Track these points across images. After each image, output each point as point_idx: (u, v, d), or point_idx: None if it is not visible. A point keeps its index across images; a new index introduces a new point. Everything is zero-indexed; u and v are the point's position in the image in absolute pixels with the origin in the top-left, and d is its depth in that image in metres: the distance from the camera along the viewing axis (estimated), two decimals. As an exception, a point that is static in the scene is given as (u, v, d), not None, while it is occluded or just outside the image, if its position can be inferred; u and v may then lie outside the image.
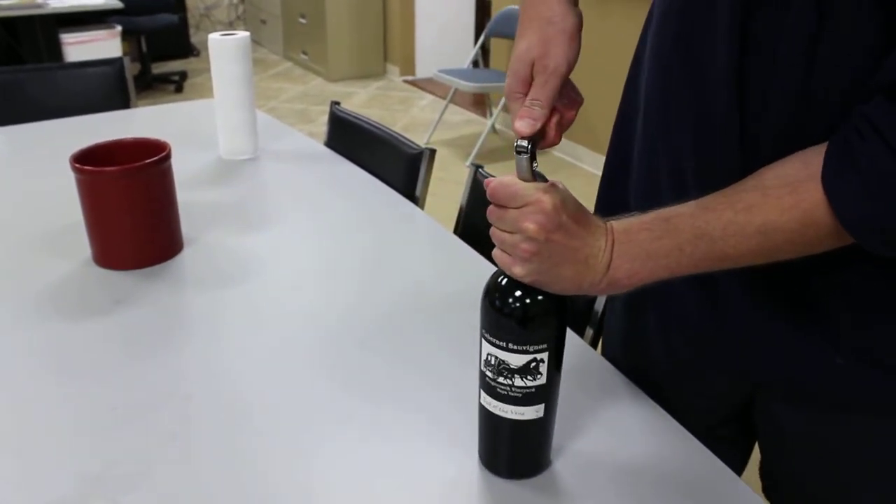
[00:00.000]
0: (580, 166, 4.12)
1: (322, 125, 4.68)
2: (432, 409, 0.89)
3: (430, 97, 5.40)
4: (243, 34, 1.62)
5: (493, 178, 0.69)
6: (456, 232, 1.51)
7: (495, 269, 0.71)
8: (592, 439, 0.84)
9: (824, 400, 0.80)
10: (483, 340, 0.71)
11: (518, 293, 0.69)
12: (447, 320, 1.08)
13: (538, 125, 0.69)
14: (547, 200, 0.66)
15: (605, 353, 1.04)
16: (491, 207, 0.69)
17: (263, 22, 6.78)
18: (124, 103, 2.31)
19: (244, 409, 0.89)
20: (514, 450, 0.78)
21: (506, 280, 0.69)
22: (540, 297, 0.69)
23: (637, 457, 0.82)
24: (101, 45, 4.21)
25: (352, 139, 1.81)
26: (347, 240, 1.34)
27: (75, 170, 1.15)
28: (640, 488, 0.77)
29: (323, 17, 5.67)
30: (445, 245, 1.34)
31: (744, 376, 0.87)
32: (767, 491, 0.95)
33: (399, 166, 1.63)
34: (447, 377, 0.94)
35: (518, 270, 0.68)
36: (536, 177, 0.67)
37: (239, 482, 0.77)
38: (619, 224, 0.69)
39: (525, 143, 0.68)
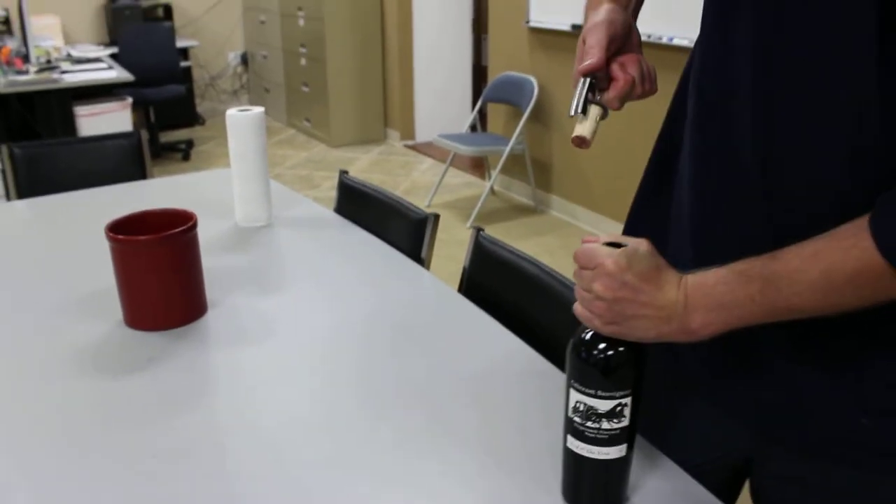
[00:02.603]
0: (577, 224, 4.24)
1: (326, 190, 4.82)
2: (447, 457, 0.97)
3: (430, 161, 5.55)
4: (258, 110, 1.75)
5: (583, 245, 0.79)
6: (460, 291, 1.61)
7: (579, 324, 0.81)
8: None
9: (838, 456, 0.83)
10: (571, 390, 0.80)
11: (602, 345, 0.78)
12: (457, 369, 1.17)
13: (594, 63, 0.83)
14: (609, 263, 0.75)
15: None
16: (576, 268, 0.79)
17: (267, 90, 6.98)
18: (141, 173, 2.44)
19: (273, 453, 0.98)
20: (597, 487, 0.86)
21: (591, 334, 0.79)
22: (621, 349, 0.78)
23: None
24: (112, 117, 4.36)
25: (359, 205, 1.92)
26: (359, 300, 1.44)
27: (110, 238, 1.26)
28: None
29: (324, 85, 5.86)
30: (452, 304, 1.44)
31: (759, 429, 0.91)
32: None
33: (405, 230, 1.74)
34: (460, 423, 1.03)
35: (596, 323, 0.77)
36: (588, 108, 0.82)
37: (272, 518, 0.86)
38: (693, 278, 0.76)
39: (583, 79, 0.82)
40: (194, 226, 1.32)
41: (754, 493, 0.97)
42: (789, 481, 0.90)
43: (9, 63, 4.38)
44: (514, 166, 4.57)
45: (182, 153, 5.69)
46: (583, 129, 0.86)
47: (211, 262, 1.52)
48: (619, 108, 0.87)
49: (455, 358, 1.21)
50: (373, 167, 5.48)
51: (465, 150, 4.20)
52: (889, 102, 0.67)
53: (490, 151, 4.35)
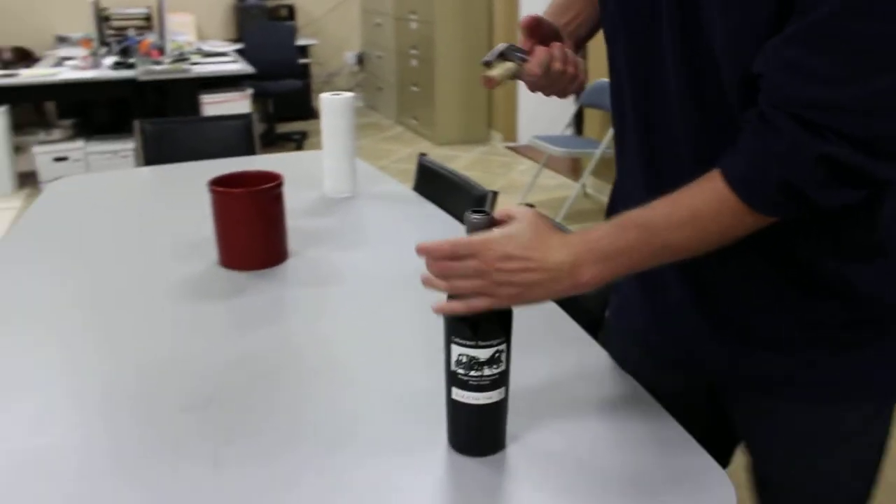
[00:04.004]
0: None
1: (424, 183, 5.07)
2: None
3: (528, 162, 5.73)
4: (348, 94, 1.99)
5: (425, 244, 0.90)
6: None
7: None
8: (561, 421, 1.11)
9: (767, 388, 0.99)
10: (453, 345, 0.90)
11: None
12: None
13: (523, 22, 1.01)
14: (493, 246, 0.85)
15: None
16: (445, 263, 0.89)
17: (380, 89, 7.32)
18: (250, 151, 2.73)
19: (338, 365, 1.20)
20: (483, 430, 0.96)
21: None
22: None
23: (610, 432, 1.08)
24: (234, 105, 4.74)
25: (434, 184, 2.14)
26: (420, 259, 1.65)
27: (211, 191, 1.52)
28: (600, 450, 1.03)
29: (433, 86, 6.13)
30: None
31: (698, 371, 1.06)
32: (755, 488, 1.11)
33: (469, 205, 1.94)
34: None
35: (496, 301, 0.86)
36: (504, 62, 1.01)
37: (332, 413, 1.08)
38: (577, 236, 0.86)
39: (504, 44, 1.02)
40: (280, 184, 1.56)
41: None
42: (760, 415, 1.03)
43: (147, 54, 4.83)
44: (607, 170, 4.70)
45: (296, 143, 6.08)
46: (492, 72, 1.01)
47: (297, 222, 1.76)
48: (539, 73, 1.01)
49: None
50: (474, 165, 5.70)
51: (557, 151, 4.37)
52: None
53: (581, 154, 4.50)
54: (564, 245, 0.85)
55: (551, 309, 1.37)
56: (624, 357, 1.18)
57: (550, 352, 1.23)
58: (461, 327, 0.90)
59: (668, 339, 1.08)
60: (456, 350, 0.91)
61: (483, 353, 0.90)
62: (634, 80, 0.97)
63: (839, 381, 0.96)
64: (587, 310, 1.39)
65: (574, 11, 1.13)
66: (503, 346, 0.91)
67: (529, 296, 0.86)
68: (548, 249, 0.85)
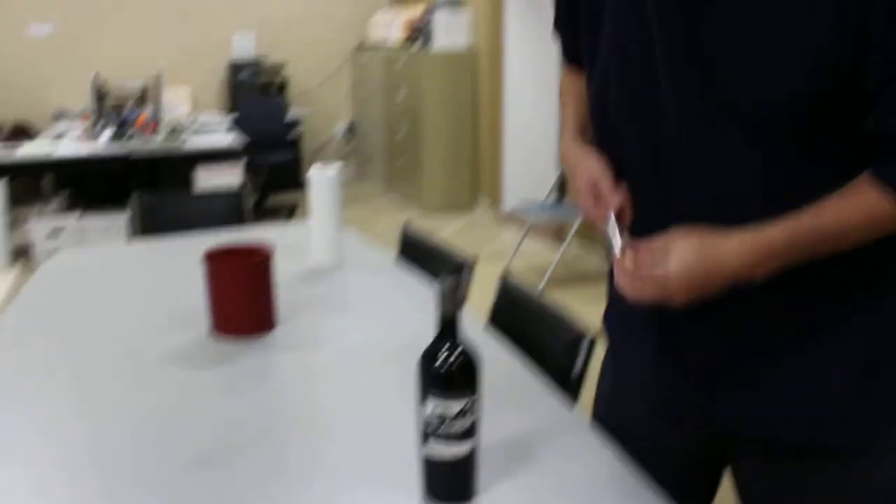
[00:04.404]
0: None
1: (412, 251, 5.18)
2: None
3: (513, 228, 5.87)
4: (336, 167, 2.11)
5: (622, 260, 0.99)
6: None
7: (430, 344, 1.02)
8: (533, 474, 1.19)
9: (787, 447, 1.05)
10: (426, 399, 1.00)
11: (447, 355, 0.99)
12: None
13: (621, 201, 1.05)
14: (674, 282, 0.94)
15: (594, 413, 1.33)
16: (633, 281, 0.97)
17: (369, 160, 7.50)
18: (241, 224, 2.84)
19: (324, 428, 1.29)
20: (454, 480, 1.05)
21: (442, 353, 1.00)
22: (463, 357, 0.99)
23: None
24: (226, 177, 4.88)
25: (417, 252, 2.25)
26: (405, 325, 1.75)
27: (205, 263, 1.62)
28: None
29: (420, 156, 6.31)
30: (479, 336, 1.73)
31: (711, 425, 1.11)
32: None
33: (450, 273, 2.04)
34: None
35: (678, 301, 0.95)
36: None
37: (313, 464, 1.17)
38: (750, 240, 0.93)
39: (612, 219, 1.04)
40: (270, 256, 1.67)
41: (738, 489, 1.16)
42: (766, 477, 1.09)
43: (143, 129, 4.98)
44: (590, 235, 4.83)
45: (287, 214, 6.21)
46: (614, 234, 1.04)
47: (285, 292, 1.86)
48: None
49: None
50: (460, 232, 5.83)
51: (540, 218, 4.51)
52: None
53: (563, 219, 4.64)
54: (738, 254, 0.94)
55: (519, 364, 1.47)
56: (627, 412, 1.24)
57: (519, 405, 1.32)
58: (434, 382, 0.99)
59: (680, 393, 1.13)
60: (429, 404, 1.00)
61: (453, 407, 1.00)
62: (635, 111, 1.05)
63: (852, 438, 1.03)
64: (557, 364, 1.49)
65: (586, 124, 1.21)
66: (473, 400, 1.01)
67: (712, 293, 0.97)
68: (722, 264, 0.94)
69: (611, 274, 1.24)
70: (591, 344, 1.49)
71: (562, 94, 1.30)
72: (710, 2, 0.93)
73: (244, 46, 7.05)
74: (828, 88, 0.88)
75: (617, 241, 1.02)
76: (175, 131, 5.11)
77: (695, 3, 0.94)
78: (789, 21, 0.88)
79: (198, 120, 5.95)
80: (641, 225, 1.05)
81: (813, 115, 0.90)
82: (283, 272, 1.96)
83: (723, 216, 0.97)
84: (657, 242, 0.98)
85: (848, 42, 0.86)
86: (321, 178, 2.10)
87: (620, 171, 1.09)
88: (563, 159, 1.21)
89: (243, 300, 1.64)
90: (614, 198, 1.05)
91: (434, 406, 1.00)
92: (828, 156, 0.93)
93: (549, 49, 6.23)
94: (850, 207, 0.92)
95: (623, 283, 0.99)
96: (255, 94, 6.79)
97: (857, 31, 0.85)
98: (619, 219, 1.05)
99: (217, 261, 1.62)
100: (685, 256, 0.94)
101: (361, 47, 7.46)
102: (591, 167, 1.10)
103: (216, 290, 1.63)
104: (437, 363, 1.01)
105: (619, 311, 1.23)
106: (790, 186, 0.95)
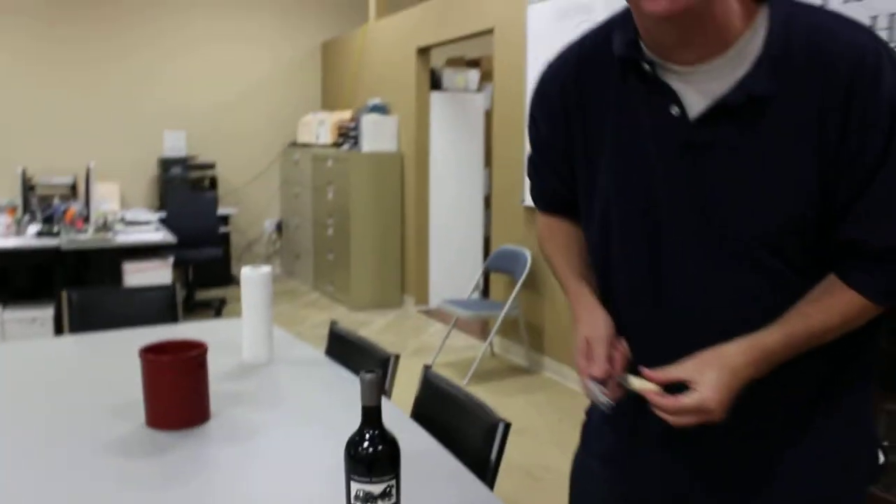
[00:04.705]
0: (565, 384, 4.60)
1: (340, 346, 5.26)
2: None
3: (439, 325, 6.01)
4: (266, 268, 2.23)
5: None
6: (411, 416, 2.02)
7: (355, 432, 1.14)
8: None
9: None
10: (351, 482, 1.12)
11: (370, 443, 1.12)
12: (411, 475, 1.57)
13: (603, 385, 1.16)
14: (715, 409, 1.07)
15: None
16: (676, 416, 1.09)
17: (297, 256, 7.61)
18: (173, 320, 2.91)
19: (239, 508, 1.38)
20: None
21: (366, 440, 1.13)
22: (385, 444, 1.12)
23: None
24: (155, 273, 4.92)
25: (344, 348, 2.36)
26: (333, 416, 1.85)
27: (142, 358, 1.71)
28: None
29: (348, 253, 6.46)
30: (403, 425, 1.84)
31: None
32: None
33: (375, 367, 2.16)
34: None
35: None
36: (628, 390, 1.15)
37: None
38: (750, 347, 1.09)
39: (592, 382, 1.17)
40: (204, 352, 1.76)
41: None
42: None
43: (72, 223, 5.02)
44: (513, 330, 5.01)
45: (214, 310, 6.24)
46: (642, 385, 1.14)
47: (218, 385, 1.94)
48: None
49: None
50: (387, 329, 5.95)
51: (465, 314, 4.67)
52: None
53: (487, 316, 4.81)
54: (745, 362, 1.09)
55: (440, 450, 1.59)
56: None
57: (438, 487, 1.43)
58: (358, 466, 1.11)
59: (657, 492, 1.27)
60: (354, 486, 1.12)
61: (377, 488, 1.11)
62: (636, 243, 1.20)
63: None
64: (474, 450, 1.61)
65: (586, 261, 1.34)
66: (394, 482, 1.13)
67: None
68: (737, 372, 1.09)
69: (589, 414, 1.40)
70: (506, 431, 1.62)
71: (546, 240, 1.43)
72: (710, 155, 1.10)
73: (175, 144, 7.18)
74: (803, 222, 1.07)
75: (600, 399, 1.16)
76: (104, 226, 5.15)
77: (696, 155, 1.11)
78: (775, 172, 1.07)
79: (127, 215, 6.00)
80: (642, 348, 1.20)
81: (791, 240, 1.09)
82: (216, 367, 2.04)
83: (718, 330, 1.11)
84: (680, 373, 1.11)
85: (821, 186, 1.05)
86: (254, 277, 2.21)
87: (622, 299, 1.24)
88: (571, 307, 1.32)
89: (180, 393, 1.72)
90: (598, 366, 1.18)
91: (359, 488, 1.12)
92: (800, 267, 1.11)
93: (471, 153, 6.55)
94: (832, 309, 1.09)
95: (667, 418, 1.11)
96: (186, 190, 6.90)
97: (830, 179, 1.05)
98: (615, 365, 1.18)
99: (155, 355, 1.71)
100: (713, 380, 1.08)
101: (292, 146, 7.67)
102: (591, 327, 1.23)
103: (153, 384, 1.72)
104: (361, 449, 1.13)
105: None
106: (774, 298, 1.11)
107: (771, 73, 1.05)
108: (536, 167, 1.39)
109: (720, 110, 1.08)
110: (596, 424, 1.39)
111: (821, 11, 1.10)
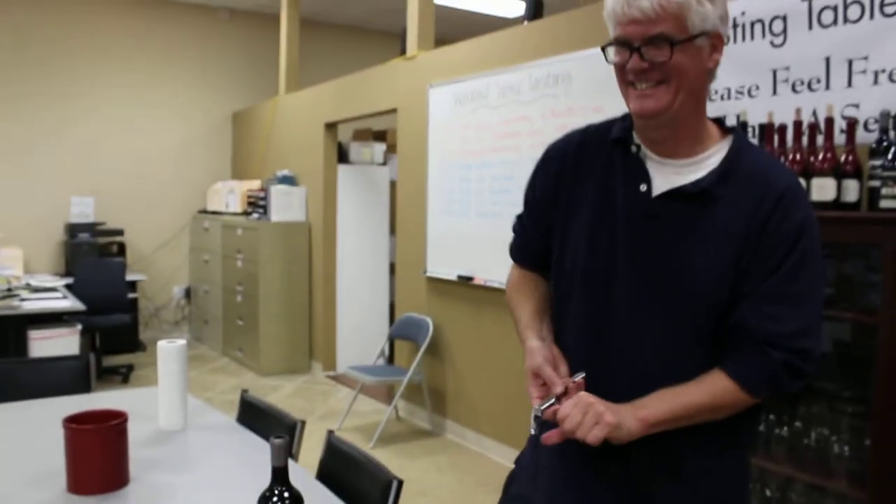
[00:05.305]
0: (466, 445, 4.82)
1: (248, 412, 5.35)
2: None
3: (346, 390, 6.16)
4: (182, 342, 2.40)
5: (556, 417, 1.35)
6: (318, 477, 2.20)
7: (265, 490, 1.38)
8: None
9: None
10: None
11: (283, 501, 1.37)
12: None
13: (542, 400, 1.39)
14: (607, 416, 1.31)
15: None
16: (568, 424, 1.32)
17: (206, 322, 7.66)
18: (86, 389, 3.01)
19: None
20: None
21: (274, 496, 1.36)
22: (293, 501, 1.36)
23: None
24: (62, 341, 4.94)
25: (255, 415, 2.54)
26: (244, 477, 2.02)
27: (66, 427, 1.86)
28: None
29: (256, 319, 6.58)
30: (309, 485, 2.03)
31: None
32: None
33: (282, 432, 2.35)
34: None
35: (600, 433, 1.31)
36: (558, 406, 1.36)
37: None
38: (639, 414, 1.33)
39: (538, 410, 1.38)
40: (125, 420, 1.93)
41: None
42: None
43: (-25, 291, 5.01)
44: (417, 395, 5.21)
45: (122, 376, 6.23)
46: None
47: (136, 452, 2.09)
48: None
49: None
50: (295, 394, 6.06)
51: (370, 380, 4.86)
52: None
53: (392, 381, 5.01)
54: (633, 419, 1.34)
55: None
56: None
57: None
58: None
59: None
60: None
61: None
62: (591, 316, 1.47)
63: None
64: (369, 497, 1.82)
65: (546, 314, 1.60)
66: None
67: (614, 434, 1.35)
68: (624, 419, 1.34)
69: (536, 439, 1.54)
70: (399, 488, 1.83)
71: (515, 289, 1.67)
72: (661, 225, 1.40)
73: (82, 210, 7.19)
74: (722, 300, 1.37)
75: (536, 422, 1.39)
76: (9, 294, 5.15)
77: (650, 225, 1.41)
78: (706, 252, 1.37)
79: (32, 281, 5.99)
80: (588, 381, 1.42)
81: (715, 312, 1.37)
82: (135, 433, 2.19)
83: (650, 378, 1.38)
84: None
85: (734, 274, 1.36)
86: (169, 349, 2.38)
87: (575, 343, 1.49)
88: (522, 342, 1.55)
89: (102, 460, 1.88)
90: (556, 383, 1.40)
91: None
92: (713, 341, 1.39)
93: (377, 222, 6.81)
94: (712, 392, 1.36)
95: (563, 426, 1.34)
96: (94, 256, 6.89)
97: (741, 268, 1.36)
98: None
99: (78, 425, 1.86)
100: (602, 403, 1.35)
101: (201, 213, 7.77)
102: (530, 359, 1.46)
103: (77, 452, 1.87)
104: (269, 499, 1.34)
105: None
106: (705, 358, 1.39)
107: (723, 181, 1.39)
108: (523, 223, 1.66)
109: (677, 194, 1.40)
110: (527, 465, 1.61)
111: (765, 152, 1.54)
